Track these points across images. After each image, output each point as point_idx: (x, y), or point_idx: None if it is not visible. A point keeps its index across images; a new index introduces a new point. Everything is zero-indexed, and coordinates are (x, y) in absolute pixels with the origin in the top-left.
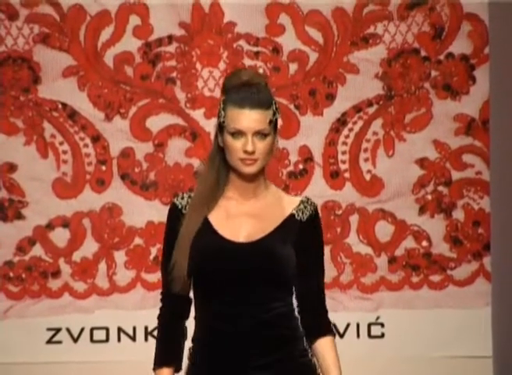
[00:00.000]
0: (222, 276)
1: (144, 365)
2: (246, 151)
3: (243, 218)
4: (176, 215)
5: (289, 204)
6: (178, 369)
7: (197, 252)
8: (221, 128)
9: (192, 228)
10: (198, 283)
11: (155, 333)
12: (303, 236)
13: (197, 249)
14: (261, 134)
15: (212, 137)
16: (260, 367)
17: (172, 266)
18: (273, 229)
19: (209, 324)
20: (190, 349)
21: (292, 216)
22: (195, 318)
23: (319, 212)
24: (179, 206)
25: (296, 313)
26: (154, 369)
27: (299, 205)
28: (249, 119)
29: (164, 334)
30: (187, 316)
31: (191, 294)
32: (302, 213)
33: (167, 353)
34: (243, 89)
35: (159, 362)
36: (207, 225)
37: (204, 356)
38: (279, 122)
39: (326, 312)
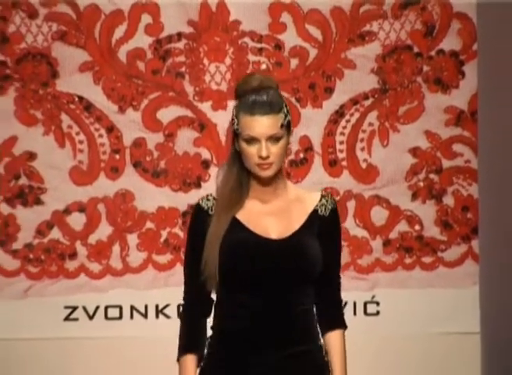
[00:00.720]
0: (255, 269)
1: (155, 340)
2: (261, 157)
3: (269, 217)
4: (202, 216)
5: (310, 200)
6: (200, 359)
7: (230, 248)
8: (236, 134)
9: (222, 227)
10: (229, 277)
11: (166, 311)
12: (325, 230)
13: (230, 245)
14: (274, 138)
15: (219, 128)
16: (279, 360)
17: (204, 265)
18: (300, 226)
19: (234, 315)
20: (209, 338)
21: (315, 211)
22: (217, 309)
23: (336, 201)
24: (205, 207)
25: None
26: (178, 359)
27: (320, 200)
28: (261, 125)
29: (187, 330)
30: (209, 315)
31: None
32: (325, 209)
33: (190, 343)
34: (253, 95)
35: (183, 350)
36: (236, 223)
37: (225, 346)
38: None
39: (341, 302)
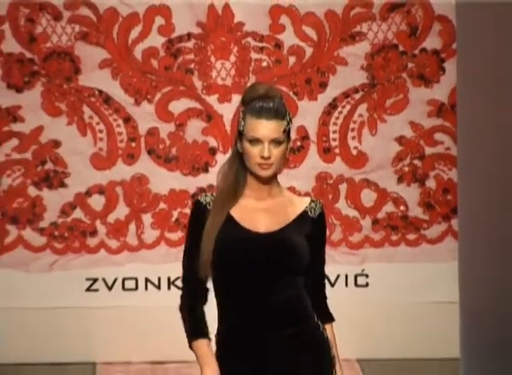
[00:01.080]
0: (245, 261)
1: (167, 309)
2: (263, 157)
3: (261, 213)
4: (200, 210)
5: (301, 203)
6: (209, 342)
7: (223, 241)
8: (240, 135)
9: (218, 221)
10: (223, 268)
11: (177, 282)
12: (314, 230)
13: (224, 239)
14: (276, 142)
15: (224, 119)
16: (280, 341)
17: (202, 252)
18: (289, 222)
19: (232, 309)
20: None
21: (305, 212)
22: (217, 299)
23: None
24: (204, 202)
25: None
26: (191, 345)
27: (310, 203)
28: (266, 128)
29: (190, 315)
30: (206, 302)
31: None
32: (314, 211)
33: (198, 327)
34: (260, 101)
35: (193, 336)
36: (230, 219)
37: (229, 335)
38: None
39: (326, 298)
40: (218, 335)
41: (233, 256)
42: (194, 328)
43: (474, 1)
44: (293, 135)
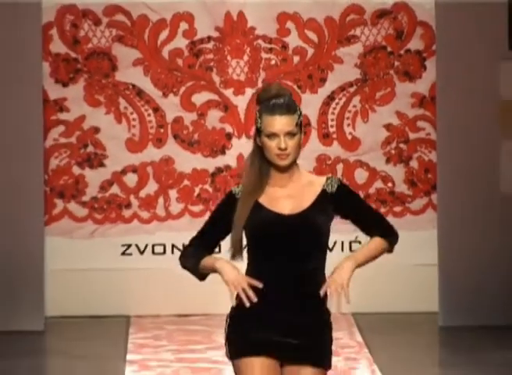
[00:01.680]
0: (274, 239)
1: (187, 273)
2: (280, 148)
3: (285, 198)
4: (231, 200)
5: (319, 183)
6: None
7: (255, 223)
8: (258, 132)
9: (246, 209)
10: (253, 247)
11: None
12: (339, 201)
13: (255, 222)
14: (290, 134)
15: (239, 109)
16: (294, 310)
17: (232, 235)
18: (310, 204)
19: (260, 274)
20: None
21: (324, 191)
22: (248, 271)
23: (341, 179)
24: (234, 192)
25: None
26: (201, 276)
27: (326, 181)
28: (280, 123)
29: (190, 258)
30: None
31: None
32: (331, 187)
33: (198, 259)
34: (273, 100)
35: (195, 265)
36: (259, 205)
37: (249, 310)
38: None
39: (392, 226)
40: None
41: (263, 234)
42: (194, 260)
43: (450, 10)
44: None
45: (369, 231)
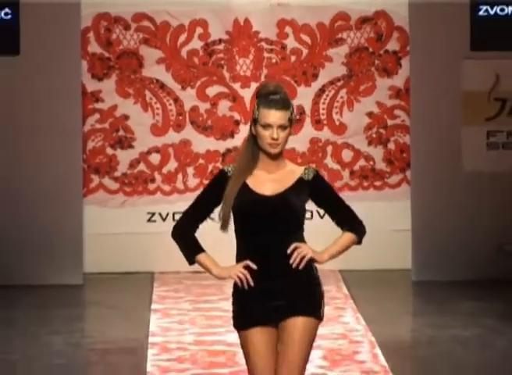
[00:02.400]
0: (257, 217)
1: (204, 234)
2: (272, 138)
3: (269, 182)
4: (223, 176)
5: (298, 171)
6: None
7: (241, 203)
8: (254, 122)
9: (236, 187)
10: (240, 223)
11: (212, 216)
12: (314, 189)
13: (241, 200)
14: (282, 127)
15: (245, 100)
16: (280, 276)
17: (221, 211)
18: (288, 187)
19: (247, 251)
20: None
21: (301, 178)
22: (237, 246)
23: (318, 170)
24: (226, 171)
25: None
26: (194, 261)
27: (304, 170)
28: (275, 116)
29: (182, 240)
30: (195, 232)
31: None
32: (307, 176)
33: (194, 247)
34: (270, 95)
35: (193, 254)
36: (246, 185)
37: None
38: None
39: (361, 221)
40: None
41: (247, 212)
42: (190, 248)
43: (421, 17)
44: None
45: (341, 225)
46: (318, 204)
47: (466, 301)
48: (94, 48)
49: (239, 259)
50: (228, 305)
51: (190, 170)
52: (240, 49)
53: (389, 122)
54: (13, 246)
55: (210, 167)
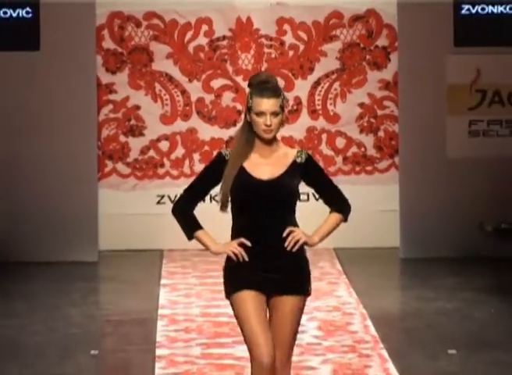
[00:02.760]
0: (254, 199)
1: (209, 214)
2: (266, 125)
3: (265, 166)
4: (220, 160)
5: (291, 155)
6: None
7: (238, 185)
8: (249, 110)
9: (234, 170)
10: (237, 204)
11: (216, 198)
12: (306, 170)
13: (239, 184)
14: (274, 114)
15: (247, 92)
16: (273, 255)
17: (220, 192)
18: (283, 171)
19: (243, 230)
20: (226, 256)
21: (294, 161)
22: (232, 228)
23: (310, 153)
24: (223, 154)
25: None
26: (192, 237)
27: (297, 154)
28: (268, 104)
29: (185, 219)
30: (193, 210)
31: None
32: (300, 159)
33: (192, 224)
34: (262, 85)
35: (192, 231)
36: (243, 169)
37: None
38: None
39: (347, 200)
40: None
41: (244, 194)
42: (189, 225)
43: (409, 15)
44: (291, 102)
45: (329, 204)
46: (309, 184)
47: (448, 276)
48: (108, 44)
49: (234, 237)
50: None
51: (196, 156)
52: (242, 45)
53: (379, 112)
54: (34, 226)
55: (214, 153)
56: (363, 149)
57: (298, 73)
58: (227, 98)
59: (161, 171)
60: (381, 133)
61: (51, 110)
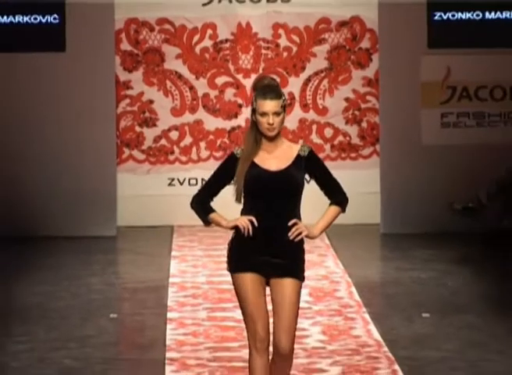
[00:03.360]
0: (263, 190)
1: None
2: (269, 123)
3: (272, 159)
4: (233, 159)
5: (295, 149)
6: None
7: (251, 177)
8: (253, 111)
9: (246, 165)
10: (249, 194)
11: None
12: (308, 163)
13: (251, 176)
14: (276, 113)
15: (247, 88)
16: (278, 239)
17: (235, 184)
18: (290, 163)
19: (252, 213)
20: (233, 234)
21: (298, 154)
22: (243, 211)
23: (312, 147)
24: (235, 152)
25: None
26: (207, 220)
27: (300, 148)
28: (270, 105)
29: (199, 206)
30: (210, 202)
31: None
32: (303, 152)
33: (206, 210)
34: (265, 88)
35: (206, 214)
36: (253, 164)
37: (244, 239)
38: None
39: (345, 194)
40: (232, 236)
41: (256, 186)
42: (204, 212)
43: (389, 21)
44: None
45: (329, 196)
46: (311, 176)
47: (423, 249)
48: (125, 46)
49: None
50: None
51: (203, 144)
52: (243, 47)
53: (362, 105)
54: (61, 205)
55: (218, 142)
56: (348, 138)
57: (291, 71)
58: (229, 93)
59: (171, 157)
60: (364, 124)
61: (76, 104)
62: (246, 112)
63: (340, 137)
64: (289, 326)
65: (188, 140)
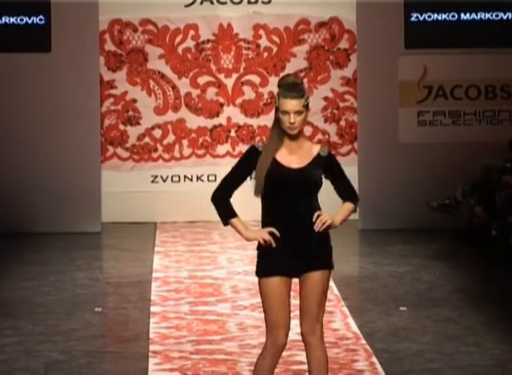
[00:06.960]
0: (285, 185)
1: (196, 192)
2: (290, 122)
3: (293, 156)
4: (254, 151)
5: (316, 148)
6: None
7: (272, 173)
8: (276, 109)
9: (267, 160)
10: (270, 190)
11: (203, 178)
12: (327, 163)
13: (273, 172)
14: (298, 112)
15: (228, 87)
16: (301, 234)
17: (256, 180)
18: (310, 161)
19: (274, 213)
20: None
21: (318, 154)
22: (264, 208)
23: (330, 149)
24: (256, 146)
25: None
26: (228, 223)
27: (320, 148)
28: (291, 104)
29: (222, 206)
30: (229, 198)
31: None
32: (323, 152)
33: (228, 211)
34: (288, 87)
35: (228, 218)
36: (275, 160)
37: (271, 225)
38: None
39: (357, 195)
40: (262, 226)
41: (277, 182)
42: (225, 213)
43: (367, 22)
44: (265, 97)
45: (342, 196)
46: (327, 176)
47: (400, 244)
48: (109, 46)
49: (265, 220)
50: (215, 249)
51: (185, 142)
52: (224, 47)
53: (341, 104)
54: (46, 202)
55: (200, 140)
56: (327, 136)
57: (272, 71)
58: (211, 92)
59: (154, 155)
60: (342, 123)
61: (61, 103)
62: (227, 111)
63: (319, 135)
64: (310, 310)
65: (171, 138)
